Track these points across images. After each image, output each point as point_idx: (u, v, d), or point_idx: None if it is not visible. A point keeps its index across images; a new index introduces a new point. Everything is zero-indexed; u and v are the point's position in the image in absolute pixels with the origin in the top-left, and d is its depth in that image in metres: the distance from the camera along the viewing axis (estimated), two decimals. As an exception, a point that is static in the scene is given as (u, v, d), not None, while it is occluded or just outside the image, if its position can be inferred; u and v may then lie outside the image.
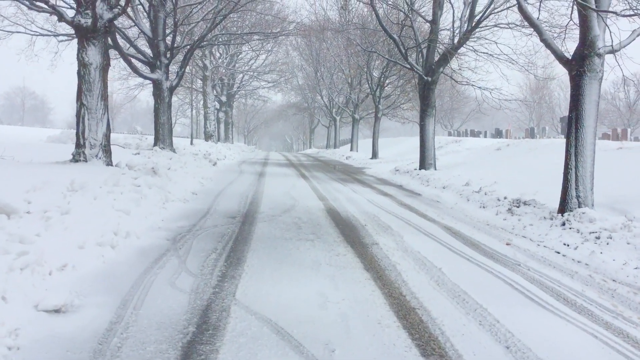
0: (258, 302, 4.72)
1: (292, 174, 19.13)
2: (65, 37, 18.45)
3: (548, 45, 9.40)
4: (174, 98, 51.88)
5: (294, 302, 4.78)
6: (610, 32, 8.29)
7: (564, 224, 8.31)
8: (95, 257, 5.61)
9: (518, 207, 9.86)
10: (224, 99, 41.98)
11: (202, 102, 35.76)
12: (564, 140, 9.73)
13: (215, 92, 38.04)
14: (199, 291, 4.93)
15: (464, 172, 15.54)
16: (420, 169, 17.86)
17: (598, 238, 7.42)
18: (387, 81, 29.03)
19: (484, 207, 10.69)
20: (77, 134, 10.84)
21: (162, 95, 18.21)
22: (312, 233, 7.92)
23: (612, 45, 8.45)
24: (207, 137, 32.75)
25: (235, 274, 5.53)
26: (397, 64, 24.00)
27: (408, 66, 18.06)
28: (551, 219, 8.76)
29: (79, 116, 10.76)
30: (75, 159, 10.76)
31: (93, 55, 10.73)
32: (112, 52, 21.26)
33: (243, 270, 5.68)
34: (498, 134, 43.72)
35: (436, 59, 17.53)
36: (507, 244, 7.72)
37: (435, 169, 17.61)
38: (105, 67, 10.94)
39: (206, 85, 32.03)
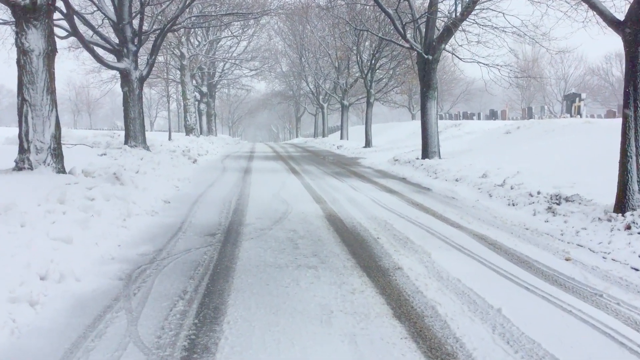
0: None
1: (281, 168, 17.30)
2: (3, 21, 16.27)
3: (592, 5, 7.62)
4: (152, 91, 49.76)
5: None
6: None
7: (629, 228, 6.58)
8: (-1, 324, 3.78)
9: (559, 204, 8.12)
10: (204, 89, 39.90)
11: (181, 94, 33.69)
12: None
13: (194, 82, 35.98)
14: (150, 387, 3.13)
15: (475, 160, 13.80)
16: (423, 158, 16.12)
17: (687, 248, 5.69)
18: (378, 63, 27.07)
19: (513, 205, 8.94)
20: (19, 135, 8.95)
21: (132, 87, 16.24)
22: (314, 254, 6.12)
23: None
24: (188, 130, 30.74)
25: (210, 342, 3.72)
26: (390, 43, 22.21)
27: (405, 45, 16.24)
28: (608, 220, 7.02)
29: (20, 114, 8.87)
30: (18, 166, 8.88)
31: (34, 40, 8.80)
32: (73, 40, 19.25)
33: (222, 333, 3.88)
34: (493, 115, 42.04)
35: (436, 34, 15.71)
36: (567, 259, 5.97)
37: (440, 158, 15.87)
38: (50, 54, 9.02)
39: (184, 75, 29.96)
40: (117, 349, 3.59)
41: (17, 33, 8.86)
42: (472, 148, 16.78)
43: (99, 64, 20.56)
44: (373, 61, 26.58)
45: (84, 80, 41.77)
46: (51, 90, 9.01)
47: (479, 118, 43.27)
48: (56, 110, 9.13)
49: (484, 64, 15.63)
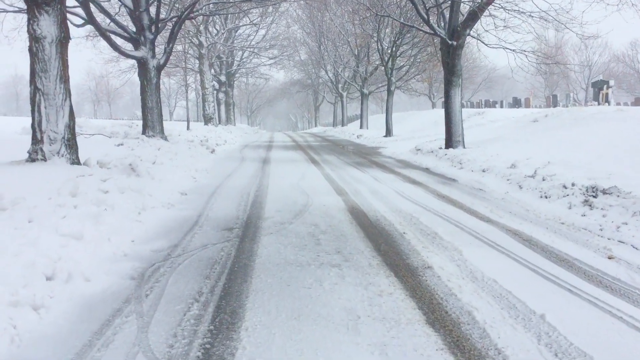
0: None
1: (300, 158, 16.94)
2: (17, 9, 16.02)
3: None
4: (172, 80, 49.62)
5: None
6: None
7: (676, 223, 6.11)
8: (-1, 331, 3.48)
9: (595, 197, 7.65)
10: (223, 78, 39.62)
11: (200, 83, 33.42)
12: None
13: (213, 71, 35.70)
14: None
15: (501, 150, 13.30)
16: (446, 147, 15.63)
17: None
18: (399, 50, 26.43)
19: (546, 198, 8.48)
20: (32, 126, 8.68)
21: (149, 76, 15.95)
22: (337, 251, 5.77)
23: None
24: (207, 120, 30.49)
25: (226, 353, 3.39)
26: (412, 30, 21.67)
27: (428, 31, 15.71)
28: (652, 214, 6.55)
29: (33, 104, 8.60)
30: (31, 157, 8.64)
31: (47, 26, 8.52)
32: (90, 29, 19.04)
33: (239, 342, 3.54)
34: (516, 103, 41.14)
35: (461, 20, 15.16)
36: (610, 258, 5.53)
37: (464, 147, 15.37)
38: (63, 41, 8.73)
39: (203, 64, 29.64)
40: (125, 359, 3.27)
41: (28, 20, 8.58)
42: (497, 137, 16.23)
43: (117, 53, 20.38)
44: (394, 48, 25.98)
45: (103, 70, 41.69)
46: (64, 78, 8.73)
47: (501, 106, 42.43)
48: (70, 100, 8.86)
49: (510, 49, 15.06)
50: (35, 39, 8.48)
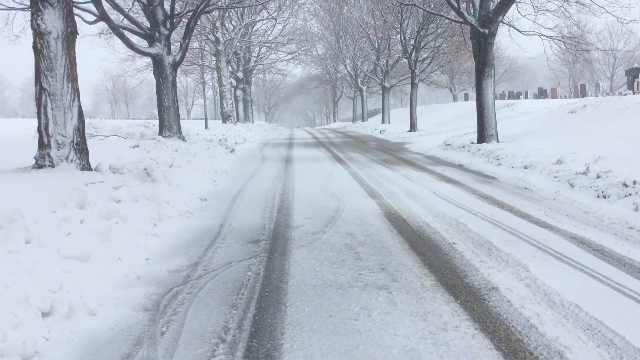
0: None
1: (324, 156, 16.16)
2: (24, 6, 15.37)
3: None
4: (189, 78, 49.15)
5: None
6: None
7: None
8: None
9: (666, 197, 6.77)
10: (240, 75, 38.96)
11: (217, 81, 32.77)
12: None
13: (230, 68, 35.04)
14: None
15: (542, 144, 12.41)
16: (479, 142, 14.76)
17: None
18: (423, 41, 25.43)
19: (605, 198, 7.61)
20: (38, 129, 8.01)
21: (165, 74, 15.27)
22: (381, 268, 4.99)
23: None
24: (225, 118, 29.82)
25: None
26: (436, 19, 20.72)
27: (458, 19, 14.82)
28: None
29: (39, 105, 7.93)
30: (38, 163, 7.97)
31: (52, 20, 7.83)
32: (104, 26, 18.42)
33: (278, 404, 2.79)
34: (542, 93, 39.89)
35: (492, 5, 14.24)
36: None
37: (498, 142, 14.49)
38: (70, 36, 8.04)
39: (220, 60, 28.96)
40: None
41: (32, 14, 7.90)
42: (533, 130, 15.31)
43: (132, 52, 19.78)
44: (418, 39, 25.00)
45: (119, 69, 41.25)
46: (72, 77, 8.04)
47: (526, 97, 41.20)
48: (79, 100, 8.17)
49: (546, 36, 14.10)
50: (39, 35, 7.80)
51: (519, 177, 9.87)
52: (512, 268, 4.90)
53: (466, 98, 49.93)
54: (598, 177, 8.29)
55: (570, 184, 8.62)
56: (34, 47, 7.90)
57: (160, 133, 15.74)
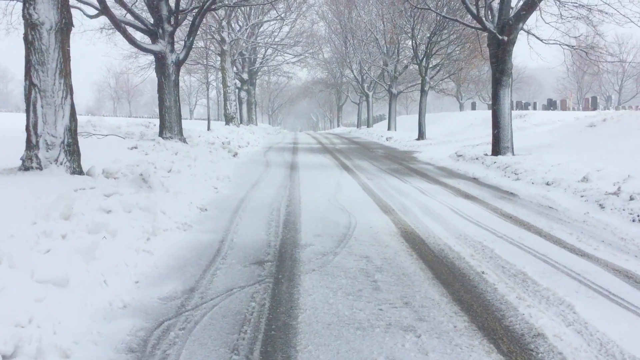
0: None
1: (331, 164, 15.51)
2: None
3: None
4: (192, 78, 48.50)
5: None
6: None
7: None
8: None
9: None
10: (245, 76, 38.36)
11: (221, 81, 32.16)
12: None
13: (235, 69, 34.44)
14: None
15: (562, 159, 11.75)
16: (493, 154, 14.11)
17: None
18: (435, 47, 24.74)
19: (642, 222, 6.96)
20: (27, 128, 7.37)
21: (167, 72, 14.63)
22: (404, 302, 4.35)
23: None
24: (228, 119, 29.17)
25: None
26: (448, 25, 20.06)
27: (475, 25, 14.18)
28: None
29: (28, 102, 7.30)
30: (25, 166, 7.32)
31: (45, 10, 7.20)
32: (104, 20, 17.81)
33: None
34: (551, 105, 39.22)
35: (512, 12, 13.61)
36: None
37: (514, 154, 13.83)
38: (64, 28, 7.41)
39: (225, 61, 28.34)
40: None
41: (24, 2, 7.28)
42: (550, 143, 14.65)
43: (135, 49, 19.14)
44: (429, 45, 24.31)
45: (122, 66, 40.65)
46: (65, 72, 7.40)
47: (534, 108, 40.53)
48: (71, 97, 7.53)
49: (568, 46, 13.46)
50: (31, 26, 7.17)
51: (542, 195, 9.22)
52: (555, 308, 4.26)
53: (473, 107, 49.29)
54: (631, 198, 7.64)
55: (600, 205, 7.97)
56: (25, 38, 7.27)
57: (160, 134, 15.10)
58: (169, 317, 3.96)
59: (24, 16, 7.24)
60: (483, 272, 5.14)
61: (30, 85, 7.22)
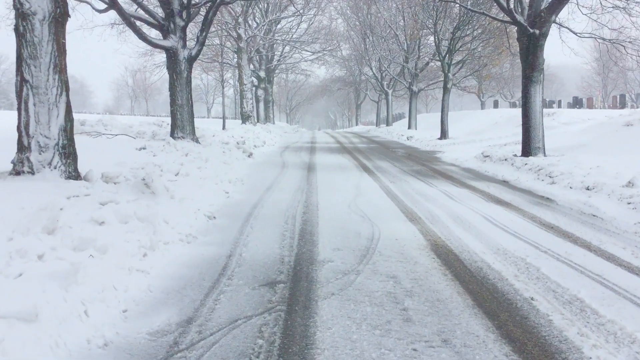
0: None
1: (350, 165, 14.75)
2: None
3: None
4: (209, 77, 47.94)
5: None
6: None
7: None
8: None
9: None
10: (262, 74, 37.71)
11: (237, 79, 31.53)
12: None
13: (252, 66, 33.81)
14: None
15: (599, 160, 10.89)
16: (523, 154, 13.26)
17: None
18: (459, 43, 23.81)
19: None
20: (18, 128, 6.74)
21: (179, 69, 13.98)
22: (443, 339, 3.60)
23: None
24: (244, 118, 28.53)
25: None
26: (473, 19, 19.18)
27: (505, 18, 13.32)
28: None
29: (20, 100, 6.66)
30: (16, 169, 6.69)
31: (37, -1, 6.53)
32: (114, 15, 17.23)
33: None
34: (577, 103, 38.00)
35: (544, 3, 12.73)
36: None
37: (545, 155, 12.97)
38: (59, 18, 6.75)
39: (241, 58, 27.68)
40: None
41: (14, -9, 6.63)
42: (583, 143, 13.76)
43: (150, 46, 18.54)
44: (453, 41, 23.40)
45: (138, 64, 40.24)
46: (60, 67, 6.75)
47: (559, 106, 39.34)
48: (67, 94, 6.88)
49: (604, 39, 12.56)
50: (22, 16, 6.52)
51: (583, 201, 8.39)
52: (627, 348, 3.48)
53: (495, 105, 48.10)
54: (690, 207, 6.79)
55: (653, 214, 7.13)
56: (16, 30, 6.64)
57: (171, 134, 14.46)
58: (157, 359, 3.26)
59: (14, 5, 6.61)
60: (532, 299, 4.38)
61: (21, 82, 6.57)
